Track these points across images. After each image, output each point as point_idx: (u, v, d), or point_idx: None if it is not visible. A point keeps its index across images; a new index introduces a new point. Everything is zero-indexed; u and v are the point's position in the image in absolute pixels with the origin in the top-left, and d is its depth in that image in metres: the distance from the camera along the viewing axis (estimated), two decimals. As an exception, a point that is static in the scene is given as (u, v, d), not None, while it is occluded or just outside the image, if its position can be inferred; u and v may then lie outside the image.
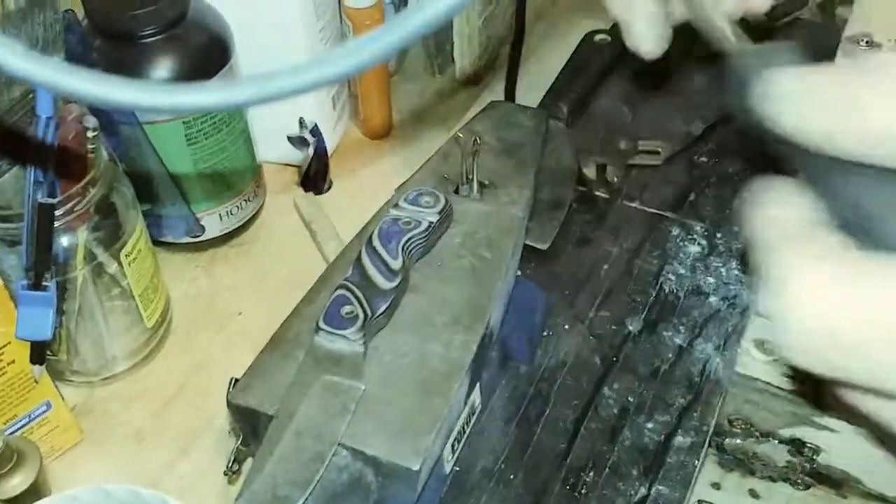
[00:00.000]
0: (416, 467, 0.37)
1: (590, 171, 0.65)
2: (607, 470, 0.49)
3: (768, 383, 0.34)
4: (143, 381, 0.57)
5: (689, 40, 0.73)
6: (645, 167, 0.66)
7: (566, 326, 0.56)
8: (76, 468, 0.52)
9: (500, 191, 0.50)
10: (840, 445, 0.35)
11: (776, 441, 0.36)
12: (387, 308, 0.42)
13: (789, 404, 0.35)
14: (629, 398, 0.52)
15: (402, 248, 0.43)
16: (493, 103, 0.57)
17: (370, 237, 0.44)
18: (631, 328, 0.56)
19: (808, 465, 0.37)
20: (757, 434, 0.37)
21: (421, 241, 0.44)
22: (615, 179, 0.65)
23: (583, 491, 0.48)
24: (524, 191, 0.49)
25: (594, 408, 0.52)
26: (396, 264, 0.43)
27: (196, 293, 0.62)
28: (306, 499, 0.35)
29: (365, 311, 0.41)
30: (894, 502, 0.36)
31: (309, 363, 0.40)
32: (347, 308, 0.41)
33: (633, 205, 0.64)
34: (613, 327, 0.56)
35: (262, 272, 0.63)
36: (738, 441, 0.37)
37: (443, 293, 0.44)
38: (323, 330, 0.40)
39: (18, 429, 0.50)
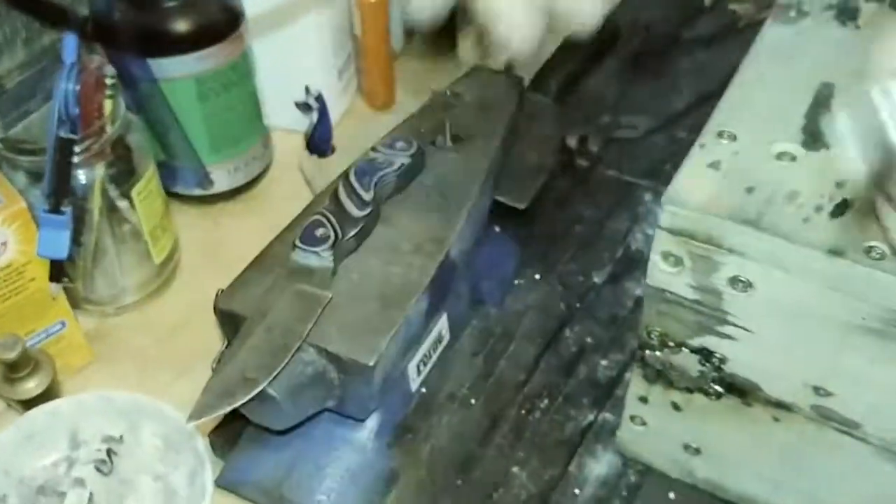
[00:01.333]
0: (371, 363, 0.42)
1: (572, 141, 0.70)
2: (561, 398, 0.54)
3: (675, 293, 0.39)
4: (152, 312, 0.62)
5: (675, 26, 0.78)
6: (627, 140, 0.71)
7: (537, 276, 0.61)
8: (86, 384, 0.58)
9: (472, 143, 0.55)
10: (741, 353, 0.39)
11: (687, 350, 0.41)
12: (356, 233, 0.47)
13: (694, 314, 0.39)
14: (588, 339, 0.57)
15: (375, 184, 0.49)
16: (476, 67, 0.62)
17: (347, 174, 0.49)
18: (596, 280, 0.60)
19: (716, 375, 0.41)
20: (671, 344, 0.41)
21: (392, 178, 0.50)
22: (595, 149, 0.69)
23: (536, 416, 0.53)
24: (492, 143, 0.54)
25: (554, 346, 0.57)
26: (368, 196, 0.48)
27: (205, 240, 0.68)
28: (271, 381, 0.41)
29: (336, 234, 0.46)
30: (790, 407, 0.40)
31: (284, 275, 0.45)
32: (321, 230, 0.46)
33: (611, 173, 0.68)
34: (580, 278, 0.61)
35: (266, 224, 0.68)
36: (657, 353, 0.42)
37: (409, 225, 0.49)
38: (298, 247, 0.45)
39: (37, 342, 0.56)
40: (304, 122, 0.74)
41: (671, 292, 0.39)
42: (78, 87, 0.52)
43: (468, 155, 0.54)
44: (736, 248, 0.36)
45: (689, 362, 0.41)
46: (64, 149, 0.51)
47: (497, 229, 0.63)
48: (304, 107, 0.72)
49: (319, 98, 0.71)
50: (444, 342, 0.54)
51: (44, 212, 0.52)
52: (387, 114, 0.78)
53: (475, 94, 0.59)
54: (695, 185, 0.37)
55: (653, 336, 0.41)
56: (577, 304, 0.59)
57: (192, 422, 0.41)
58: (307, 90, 0.71)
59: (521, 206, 0.64)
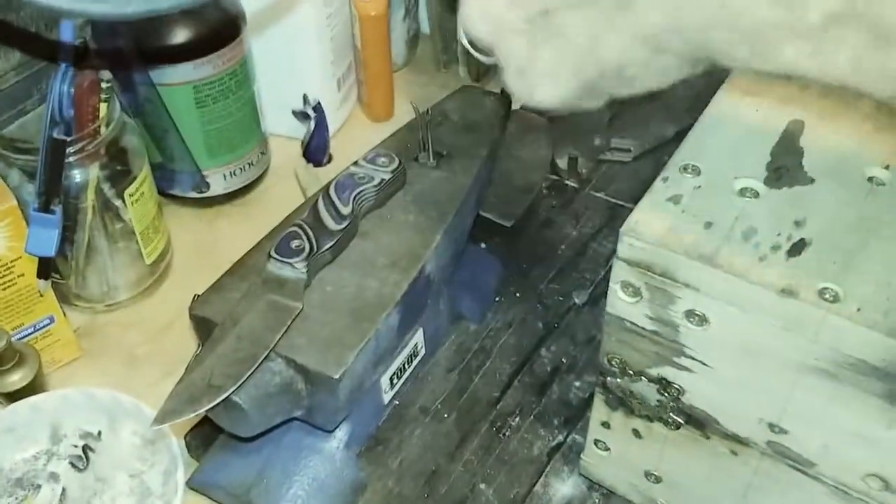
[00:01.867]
0: (336, 376, 0.43)
1: (562, 162, 0.70)
2: (532, 417, 0.54)
3: (634, 323, 0.39)
4: (142, 311, 0.64)
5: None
6: (615, 163, 0.71)
7: (517, 294, 0.62)
8: (72, 379, 0.60)
9: (454, 161, 0.55)
10: (698, 386, 0.40)
11: (646, 380, 0.41)
12: (331, 246, 0.48)
13: (653, 344, 0.39)
14: (563, 359, 0.58)
15: (353, 198, 0.50)
16: (464, 87, 0.63)
17: (328, 187, 0.50)
18: (577, 300, 0.61)
19: (674, 405, 0.41)
20: (631, 373, 0.41)
21: (372, 193, 0.50)
22: (583, 171, 0.70)
23: (506, 433, 0.54)
24: (475, 162, 0.55)
25: (530, 365, 0.57)
26: (346, 210, 0.49)
27: (198, 242, 0.69)
28: (236, 390, 0.42)
29: (311, 246, 0.47)
30: (746, 442, 0.41)
31: (257, 284, 0.46)
32: (297, 242, 0.47)
33: (599, 195, 0.69)
34: (560, 298, 0.61)
35: (260, 229, 0.69)
36: (617, 380, 0.42)
37: (387, 240, 0.50)
38: (273, 258, 0.46)
39: (24, 337, 0.57)
40: (302, 130, 0.75)
41: (630, 322, 0.39)
42: (73, 90, 0.53)
43: (450, 173, 0.55)
44: (691, 283, 0.36)
45: (648, 391, 0.42)
46: (56, 150, 0.53)
47: (482, 245, 0.64)
48: (301, 115, 0.73)
49: (317, 107, 0.72)
50: (420, 356, 0.55)
51: (34, 210, 0.53)
52: (385, 126, 0.79)
53: (462, 112, 0.59)
54: (653, 218, 0.37)
55: (613, 363, 0.42)
56: (556, 324, 0.59)
57: (155, 426, 0.42)
58: (305, 99, 0.72)
59: (508, 223, 0.65)
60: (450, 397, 0.55)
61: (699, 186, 0.39)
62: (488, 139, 0.57)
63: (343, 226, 0.48)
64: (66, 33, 0.51)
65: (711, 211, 0.38)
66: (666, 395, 0.41)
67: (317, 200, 0.50)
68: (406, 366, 0.53)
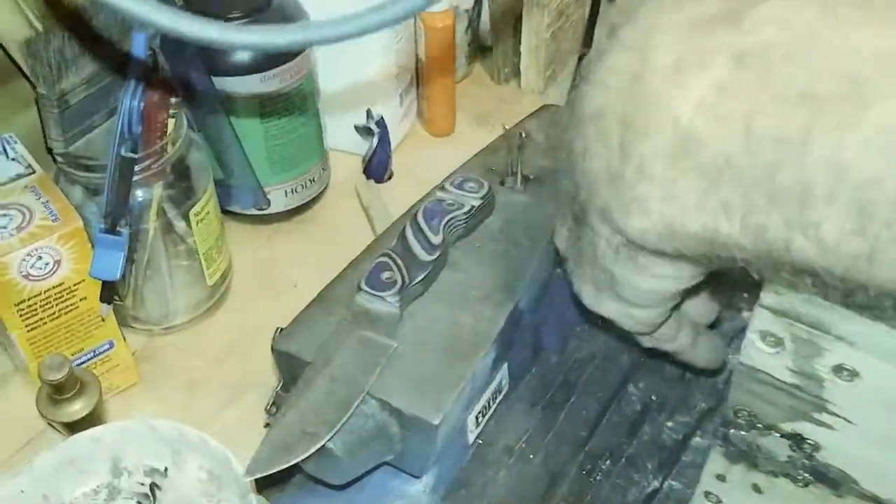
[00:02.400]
0: (435, 422, 0.40)
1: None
2: (623, 460, 0.51)
3: (771, 375, 0.36)
4: (201, 335, 0.61)
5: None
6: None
7: (600, 323, 0.58)
8: (130, 406, 0.57)
9: (543, 186, 0.52)
10: (838, 443, 0.37)
11: (778, 435, 0.38)
12: (424, 278, 0.45)
13: (791, 398, 0.36)
14: (652, 396, 0.54)
15: (444, 227, 0.46)
16: (546, 106, 0.60)
17: (415, 214, 0.47)
18: (663, 332, 0.58)
19: (807, 462, 0.38)
20: (760, 426, 0.38)
21: (461, 221, 0.47)
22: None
23: (598, 477, 0.50)
24: None
25: (618, 401, 0.54)
26: (436, 239, 0.46)
27: (257, 262, 0.66)
28: (332, 437, 0.39)
29: (403, 278, 0.44)
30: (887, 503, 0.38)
31: (347, 319, 0.43)
32: (388, 273, 0.44)
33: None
34: (646, 330, 0.58)
35: (320, 249, 0.67)
36: (743, 433, 0.39)
37: (478, 272, 0.47)
38: (364, 290, 0.43)
39: (83, 362, 0.54)
40: (362, 145, 0.72)
41: (766, 373, 0.36)
42: (142, 105, 0.50)
43: (538, 198, 0.51)
44: (846, 336, 0.33)
45: (778, 447, 0.38)
46: (124, 168, 0.50)
47: (558, 271, 0.60)
48: (364, 130, 0.70)
49: (381, 122, 0.69)
50: (504, 391, 0.51)
51: (100, 231, 0.50)
52: (446, 141, 0.76)
53: (545, 133, 0.56)
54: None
55: (740, 416, 0.38)
56: (642, 358, 0.56)
57: (248, 477, 0.39)
58: (369, 114, 0.69)
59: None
60: (535, 436, 0.52)
61: (847, 227, 0.36)
62: None
63: (434, 256, 0.45)
64: (139, 46, 0.48)
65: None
66: (799, 451, 0.38)
67: (404, 228, 0.47)
68: (491, 402, 0.50)
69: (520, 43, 0.77)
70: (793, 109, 0.28)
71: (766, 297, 0.34)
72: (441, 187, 0.49)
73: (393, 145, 0.72)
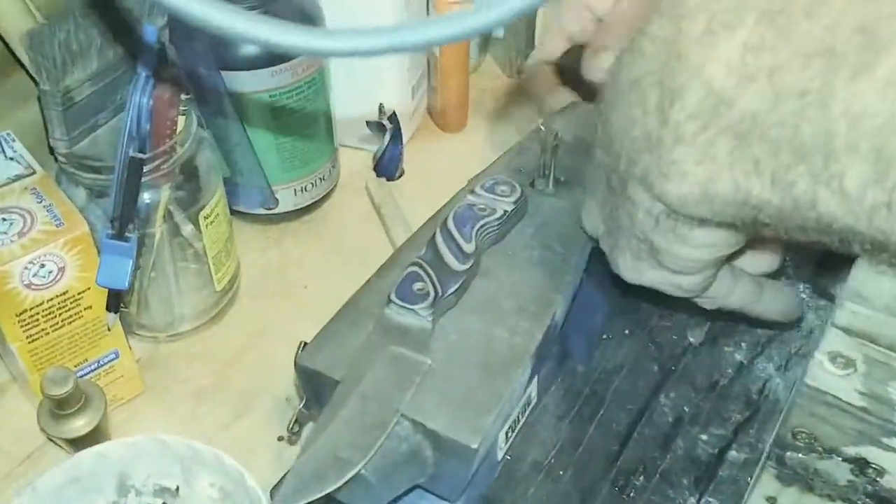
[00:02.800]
0: (474, 445, 0.38)
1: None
2: (657, 476, 0.49)
3: (838, 398, 0.34)
4: (207, 341, 0.58)
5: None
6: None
7: (627, 332, 0.56)
8: (136, 418, 0.54)
9: (574, 188, 0.50)
10: (906, 468, 0.35)
11: (839, 458, 0.36)
12: (457, 288, 0.42)
13: (858, 422, 0.34)
14: (685, 408, 0.52)
15: (476, 233, 0.44)
16: (574, 103, 0.57)
17: (445, 220, 0.45)
18: (692, 340, 0.55)
19: (869, 487, 0.36)
20: (820, 449, 0.36)
21: (494, 228, 0.45)
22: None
23: (631, 494, 0.48)
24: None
25: (649, 414, 0.52)
26: (469, 248, 0.43)
27: (265, 263, 0.63)
28: (366, 463, 0.36)
29: (436, 289, 0.41)
30: (956, 532, 0.36)
31: (378, 333, 0.41)
32: (419, 284, 0.41)
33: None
34: (674, 337, 0.56)
35: (331, 249, 0.65)
36: (801, 455, 0.37)
37: (512, 281, 0.45)
38: (394, 303, 0.41)
39: (87, 373, 0.51)
40: (372, 141, 0.69)
41: (833, 395, 0.34)
42: (151, 102, 0.47)
43: (571, 202, 0.49)
44: (925, 359, 0.31)
45: (838, 471, 0.36)
46: (132, 169, 0.47)
47: (585, 275, 0.58)
48: (376, 126, 0.67)
49: (393, 117, 0.67)
50: (532, 404, 0.49)
51: (107, 237, 0.47)
52: (458, 136, 0.74)
53: (574, 132, 0.54)
54: (880, 281, 0.32)
55: (799, 438, 0.36)
56: (672, 367, 0.54)
57: (279, 509, 0.36)
58: (381, 109, 0.66)
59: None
60: (564, 450, 0.50)
61: (921, 241, 0.33)
62: None
63: (468, 266, 0.43)
64: (150, 38, 0.45)
65: (943, 273, 0.32)
66: (862, 476, 0.36)
67: (433, 235, 0.44)
68: (520, 417, 0.48)
69: (533, 34, 0.74)
70: (813, 63, 0.29)
71: (841, 316, 0.32)
72: (471, 191, 0.47)
73: (404, 141, 0.69)
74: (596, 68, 0.53)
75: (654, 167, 0.34)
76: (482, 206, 0.45)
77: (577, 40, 0.59)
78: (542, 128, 0.49)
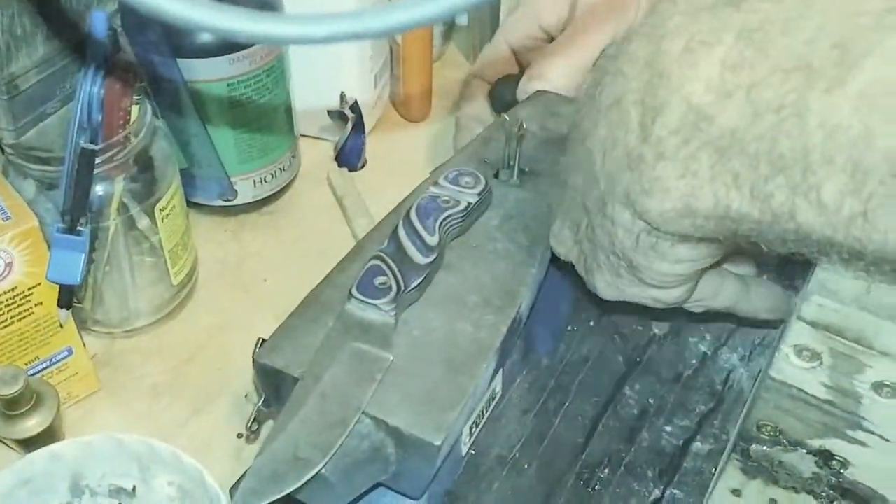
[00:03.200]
0: (437, 442, 0.37)
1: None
2: (622, 469, 0.49)
3: (803, 391, 0.34)
4: (164, 337, 0.57)
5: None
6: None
7: (591, 323, 0.56)
8: (91, 417, 0.53)
9: (539, 178, 0.49)
10: (870, 461, 0.35)
11: (804, 451, 0.36)
12: (420, 282, 0.41)
13: (823, 414, 0.34)
14: (650, 400, 0.52)
15: (440, 226, 0.43)
16: (539, 92, 0.57)
17: (408, 212, 0.44)
18: (657, 331, 0.55)
19: (833, 479, 0.36)
20: (785, 442, 0.36)
21: (458, 220, 0.44)
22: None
23: (596, 487, 0.48)
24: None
25: (614, 406, 0.52)
26: (433, 240, 0.42)
27: (223, 256, 0.62)
28: (326, 462, 0.35)
29: (398, 284, 0.40)
30: (919, 522, 0.36)
31: (338, 329, 0.40)
32: (381, 279, 0.40)
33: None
34: (639, 328, 0.55)
35: (291, 242, 0.63)
36: (765, 448, 0.37)
37: (476, 274, 0.44)
38: (355, 298, 0.40)
39: (39, 371, 0.50)
40: (333, 131, 0.68)
41: (799, 389, 0.34)
42: (103, 91, 0.46)
43: (536, 193, 0.48)
44: (891, 352, 0.31)
45: (802, 463, 0.36)
46: (84, 161, 0.45)
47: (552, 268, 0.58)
48: (338, 115, 0.66)
49: (355, 107, 0.65)
50: (496, 398, 0.49)
51: (58, 231, 0.46)
52: (421, 126, 0.73)
53: (541, 122, 0.53)
54: (844, 273, 0.32)
55: (764, 431, 0.36)
56: (637, 359, 0.54)
57: (237, 511, 0.35)
58: (343, 98, 0.65)
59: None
60: (528, 444, 0.49)
61: (886, 234, 0.33)
62: None
63: (431, 259, 0.42)
64: (99, 25, 0.43)
65: (906, 265, 0.32)
66: (825, 468, 0.36)
67: (396, 228, 0.43)
68: (484, 411, 0.47)
69: (497, 21, 0.73)
70: (789, 78, 0.29)
71: (807, 310, 0.31)
72: (434, 182, 0.46)
73: (366, 131, 0.68)
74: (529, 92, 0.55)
75: (636, 184, 0.34)
76: (446, 198, 0.44)
77: (519, 53, 0.60)
78: (507, 118, 0.48)
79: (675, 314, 0.52)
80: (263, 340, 0.41)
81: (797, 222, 0.30)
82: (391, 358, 0.39)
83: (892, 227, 0.28)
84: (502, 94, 0.59)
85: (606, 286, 0.42)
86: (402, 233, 0.43)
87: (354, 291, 0.40)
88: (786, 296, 0.46)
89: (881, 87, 0.27)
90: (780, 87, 0.29)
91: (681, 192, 0.33)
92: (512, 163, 0.48)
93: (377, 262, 0.41)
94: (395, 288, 0.40)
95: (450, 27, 0.77)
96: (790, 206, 0.30)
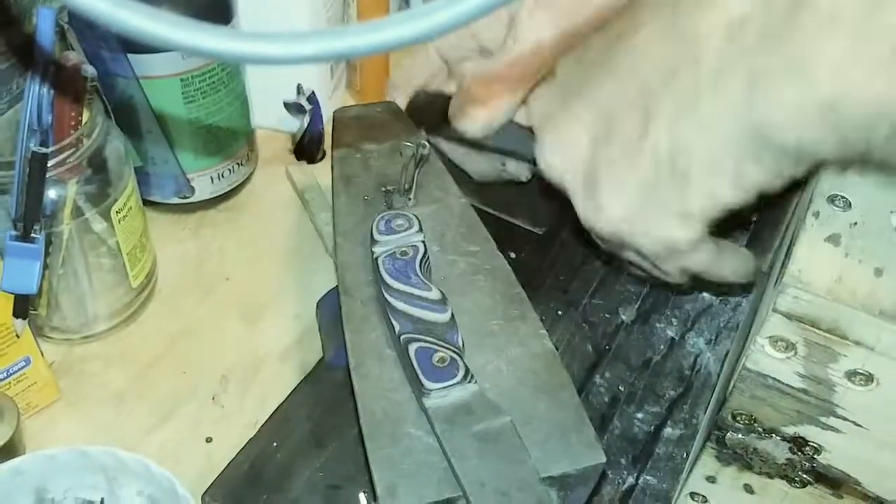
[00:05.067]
0: (603, 458, 0.36)
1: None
2: (596, 457, 0.49)
3: (778, 380, 0.34)
4: (125, 342, 0.55)
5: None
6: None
7: (559, 312, 0.56)
8: (53, 427, 0.51)
9: (422, 189, 0.48)
10: (843, 446, 0.35)
11: (779, 438, 0.36)
12: (459, 334, 0.40)
13: (797, 402, 0.35)
14: (620, 387, 0.52)
15: (423, 275, 0.41)
16: (342, 109, 0.55)
17: (387, 286, 0.41)
18: (624, 317, 0.56)
19: (807, 464, 0.36)
20: (759, 430, 0.36)
21: (427, 263, 0.43)
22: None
23: (571, 477, 0.48)
24: (445, 178, 0.48)
25: (585, 395, 0.52)
26: (435, 295, 0.40)
27: (183, 256, 0.60)
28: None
29: (451, 350, 0.38)
30: (889, 504, 0.36)
31: (444, 430, 0.36)
32: (435, 357, 0.38)
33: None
34: (607, 315, 0.56)
35: (252, 238, 0.62)
36: (740, 436, 0.37)
37: (472, 302, 0.42)
38: (431, 391, 0.37)
39: (-5, 384, 0.48)
40: (291, 122, 0.67)
41: (774, 378, 0.34)
42: (52, 91, 0.44)
43: (438, 203, 0.47)
44: (864, 341, 0.31)
45: (777, 450, 0.37)
46: (35, 165, 0.44)
47: (512, 255, 0.57)
48: (295, 107, 0.65)
49: (312, 98, 0.64)
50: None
51: (10, 239, 0.44)
52: (380, 115, 0.72)
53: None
54: (817, 265, 0.32)
55: (739, 419, 0.36)
56: (606, 346, 0.54)
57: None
58: (299, 89, 0.64)
59: (540, 230, 0.59)
60: (502, 436, 0.49)
61: (855, 223, 0.34)
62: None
63: (449, 310, 0.40)
64: (46, 24, 0.41)
65: (877, 254, 0.33)
66: (799, 454, 0.36)
67: (390, 305, 0.40)
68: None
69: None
70: None
71: (782, 302, 0.32)
72: (374, 241, 0.43)
73: (324, 122, 0.67)
74: (469, 126, 0.47)
75: (780, 63, 0.29)
76: (403, 250, 0.42)
77: (450, 65, 0.52)
78: (408, 143, 0.47)
79: (646, 297, 0.53)
80: (372, 496, 0.37)
81: None
82: (509, 418, 0.37)
83: None
84: (429, 115, 0.51)
85: (622, 206, 0.37)
86: (401, 305, 0.40)
87: (427, 384, 0.37)
88: (752, 261, 0.45)
89: None
90: None
91: (838, 78, 0.27)
92: (408, 185, 0.47)
93: (417, 344, 0.38)
94: (452, 356, 0.38)
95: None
96: None
